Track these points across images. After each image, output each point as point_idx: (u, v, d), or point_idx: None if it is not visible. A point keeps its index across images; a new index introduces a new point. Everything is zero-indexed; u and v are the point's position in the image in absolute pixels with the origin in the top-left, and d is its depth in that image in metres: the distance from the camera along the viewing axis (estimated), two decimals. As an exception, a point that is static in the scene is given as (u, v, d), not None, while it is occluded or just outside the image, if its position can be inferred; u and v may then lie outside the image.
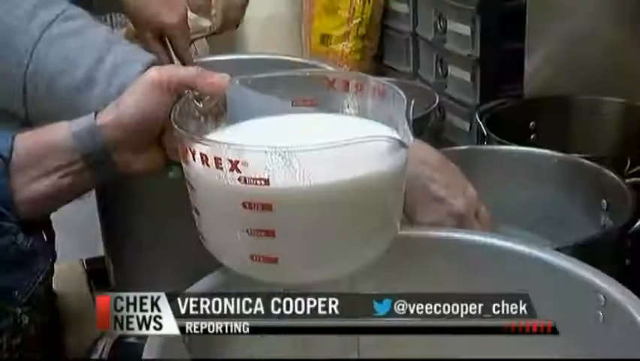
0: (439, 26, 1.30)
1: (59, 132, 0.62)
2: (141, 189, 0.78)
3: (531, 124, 1.04)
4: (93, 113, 0.62)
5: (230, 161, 0.53)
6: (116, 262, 0.91)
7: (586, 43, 1.11)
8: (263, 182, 0.53)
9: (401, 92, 0.58)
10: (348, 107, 0.62)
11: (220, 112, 0.62)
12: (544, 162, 0.88)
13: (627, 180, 0.82)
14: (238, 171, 0.53)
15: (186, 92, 0.61)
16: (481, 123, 0.97)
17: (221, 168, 0.53)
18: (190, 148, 0.55)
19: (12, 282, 0.62)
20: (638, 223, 0.77)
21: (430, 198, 0.69)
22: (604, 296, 0.58)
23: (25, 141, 0.61)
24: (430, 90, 1.17)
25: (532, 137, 1.03)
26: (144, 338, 0.56)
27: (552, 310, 0.60)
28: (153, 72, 0.61)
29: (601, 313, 0.58)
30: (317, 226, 0.55)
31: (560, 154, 0.88)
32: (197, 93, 0.61)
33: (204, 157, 0.54)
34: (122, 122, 0.61)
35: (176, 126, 0.56)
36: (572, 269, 0.60)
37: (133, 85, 0.62)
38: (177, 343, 0.57)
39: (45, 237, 0.63)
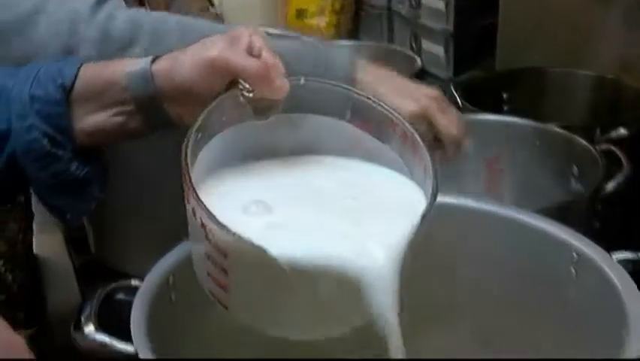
0: (413, 1, 1.32)
1: (117, 69, 0.61)
2: (121, 155, 0.79)
3: (504, 95, 1.06)
4: (151, 58, 0.61)
5: (202, 220, 0.51)
6: (95, 228, 0.92)
7: (557, 19, 1.13)
8: (222, 258, 0.51)
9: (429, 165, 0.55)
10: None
11: (271, 105, 0.59)
12: (518, 130, 0.91)
13: (597, 147, 0.85)
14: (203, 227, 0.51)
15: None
16: (455, 94, 0.99)
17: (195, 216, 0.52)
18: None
19: (64, 204, 0.63)
20: (607, 188, 0.81)
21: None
22: (577, 253, 0.61)
23: (89, 72, 0.61)
24: (412, 56, 1.19)
25: (505, 108, 1.06)
26: (133, 294, 0.57)
27: (530, 268, 0.64)
28: (215, 52, 0.58)
29: (573, 270, 0.61)
30: (268, 294, 0.53)
31: (533, 122, 0.91)
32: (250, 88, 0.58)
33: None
34: (173, 79, 0.60)
35: (184, 161, 0.53)
36: (547, 229, 0.63)
37: (200, 46, 0.59)
38: (165, 300, 0.58)
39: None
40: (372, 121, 0.59)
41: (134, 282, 0.59)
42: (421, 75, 1.25)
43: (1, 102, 0.61)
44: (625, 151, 0.85)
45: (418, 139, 0.56)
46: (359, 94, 0.59)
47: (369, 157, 0.59)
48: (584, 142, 0.85)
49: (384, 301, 0.49)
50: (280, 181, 0.58)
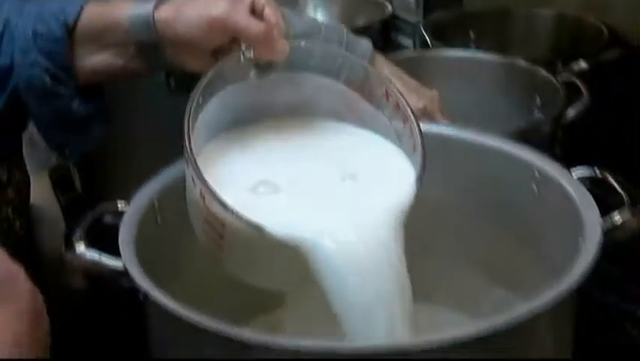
0: (383, -51, 1.33)
1: (121, 11, 0.62)
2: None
3: (472, 35, 1.09)
4: (154, 3, 0.61)
5: (202, 191, 0.53)
6: (80, 167, 0.93)
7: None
8: (219, 225, 0.54)
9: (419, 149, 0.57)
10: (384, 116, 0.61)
11: (272, 63, 0.60)
12: (485, 65, 0.95)
13: (559, 78, 0.88)
14: (202, 198, 0.54)
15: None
16: (425, 34, 1.02)
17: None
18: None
19: (65, 141, 0.65)
20: (568, 115, 0.85)
21: None
22: (538, 171, 0.63)
23: (92, 12, 0.62)
24: (382, 2, 1.22)
25: (472, 47, 1.08)
26: (120, 219, 0.59)
27: (495, 188, 0.67)
28: (218, 10, 0.59)
29: (535, 187, 0.64)
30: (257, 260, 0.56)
31: (499, 57, 0.94)
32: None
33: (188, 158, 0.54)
34: (174, 29, 0.60)
35: (185, 131, 0.54)
36: (511, 151, 0.66)
37: (205, 1, 0.60)
38: (151, 223, 0.60)
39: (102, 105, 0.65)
40: (367, 87, 0.61)
41: (121, 205, 0.60)
42: (392, 20, 1.27)
43: (6, 37, 0.62)
44: (585, 82, 0.88)
45: (409, 111, 0.59)
46: (357, 60, 0.62)
47: (362, 120, 0.62)
48: (546, 74, 0.89)
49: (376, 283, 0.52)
50: (281, 154, 0.60)
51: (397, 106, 0.59)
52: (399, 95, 0.59)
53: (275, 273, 0.58)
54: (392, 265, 0.53)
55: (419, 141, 0.58)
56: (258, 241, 0.53)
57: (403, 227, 0.55)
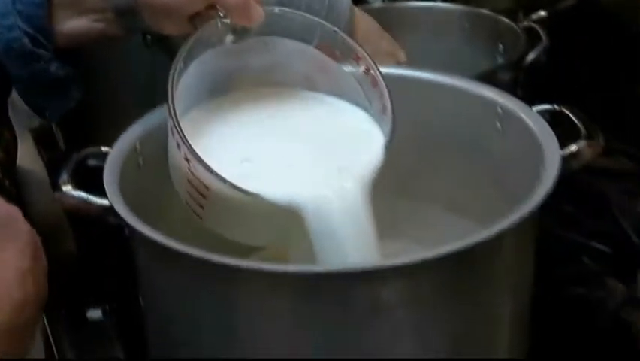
0: None
1: None
2: (86, 53, 0.82)
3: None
4: None
5: (187, 156, 0.56)
6: (63, 126, 0.94)
7: None
8: (204, 187, 0.57)
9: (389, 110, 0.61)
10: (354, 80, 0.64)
11: (248, 28, 0.62)
12: (451, 15, 0.98)
13: (520, 25, 0.92)
14: (187, 161, 0.56)
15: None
16: (392, -10, 1.05)
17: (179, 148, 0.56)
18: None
19: (44, 103, 0.67)
20: (528, 58, 0.88)
21: None
22: (501, 108, 0.66)
23: None
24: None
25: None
26: (104, 161, 0.60)
27: (460, 127, 0.69)
28: None
29: (499, 124, 0.66)
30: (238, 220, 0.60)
31: (464, 7, 0.98)
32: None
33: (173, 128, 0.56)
34: None
35: (169, 97, 0.56)
36: (474, 90, 0.68)
37: None
38: (133, 165, 0.62)
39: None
40: (338, 51, 0.63)
41: (105, 148, 0.62)
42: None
43: None
44: (544, 28, 0.92)
45: (379, 74, 0.62)
46: (329, 25, 0.64)
47: (333, 84, 0.65)
48: (508, 21, 0.92)
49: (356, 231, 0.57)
50: (260, 126, 0.63)
51: (367, 69, 0.63)
52: (369, 59, 0.62)
53: (255, 230, 0.61)
54: (365, 216, 0.58)
55: (389, 105, 0.61)
56: (243, 203, 0.56)
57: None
